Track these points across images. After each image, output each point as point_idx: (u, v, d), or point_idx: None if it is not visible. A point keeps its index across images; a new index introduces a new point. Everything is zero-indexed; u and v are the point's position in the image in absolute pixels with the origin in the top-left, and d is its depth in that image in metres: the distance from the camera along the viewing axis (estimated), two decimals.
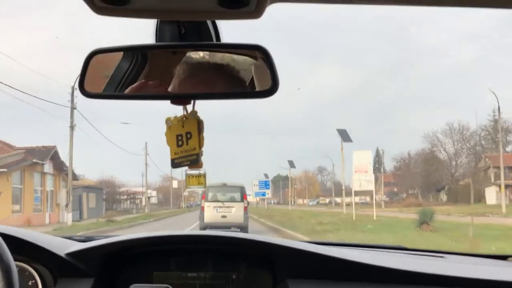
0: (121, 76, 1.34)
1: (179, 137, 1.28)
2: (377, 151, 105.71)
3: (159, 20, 1.22)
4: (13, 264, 1.02)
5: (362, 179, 22.67)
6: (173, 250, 1.50)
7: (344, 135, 39.38)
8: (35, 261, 1.44)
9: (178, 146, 1.28)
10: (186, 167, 1.29)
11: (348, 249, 1.68)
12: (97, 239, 1.51)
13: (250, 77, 1.25)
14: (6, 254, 1.05)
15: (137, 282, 1.47)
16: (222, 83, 1.24)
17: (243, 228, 15.92)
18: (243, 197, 17.93)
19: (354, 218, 21.43)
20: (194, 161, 1.27)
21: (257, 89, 1.23)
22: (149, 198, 55.66)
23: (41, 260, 1.44)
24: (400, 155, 67.95)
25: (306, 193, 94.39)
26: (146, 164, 45.13)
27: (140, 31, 1.31)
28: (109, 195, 43.83)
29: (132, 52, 1.32)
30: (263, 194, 54.51)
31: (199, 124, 1.27)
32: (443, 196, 53.07)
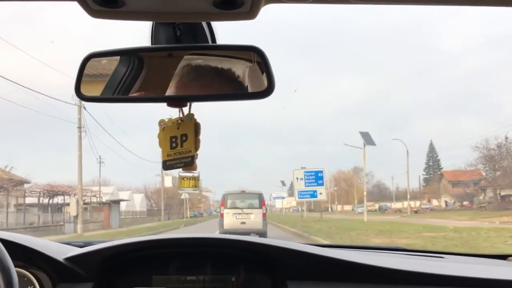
0: (118, 80, 1.37)
1: (173, 139, 1.32)
2: (431, 145, 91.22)
3: (154, 22, 1.30)
4: (12, 266, 1.08)
5: None
6: (172, 253, 1.58)
7: (367, 138, 32.18)
8: (33, 267, 1.53)
9: (172, 148, 1.32)
10: (180, 169, 1.34)
11: (348, 251, 1.75)
12: (95, 244, 1.63)
13: (246, 80, 1.31)
14: (6, 257, 1.09)
15: (136, 286, 1.54)
16: (218, 85, 1.30)
17: (262, 234, 17.45)
18: (262, 203, 19.23)
19: None
20: (189, 163, 1.31)
21: (253, 90, 1.29)
22: (115, 202, 27.91)
23: (39, 266, 1.52)
24: (484, 143, 52.99)
25: (347, 197, 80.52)
26: (80, 127, 16.70)
27: (136, 34, 1.38)
28: None
29: (128, 55, 1.38)
30: (313, 195, 31.36)
31: (196, 126, 1.33)
32: None
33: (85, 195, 31.36)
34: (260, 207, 18.75)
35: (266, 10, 1.01)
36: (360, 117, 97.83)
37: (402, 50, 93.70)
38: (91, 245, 1.61)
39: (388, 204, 71.51)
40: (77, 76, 1.25)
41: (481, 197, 54.01)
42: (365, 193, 33.13)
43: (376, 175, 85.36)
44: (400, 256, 1.81)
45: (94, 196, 36.03)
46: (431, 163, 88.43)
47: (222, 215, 18.84)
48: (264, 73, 1.22)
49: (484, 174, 52.00)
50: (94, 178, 58.74)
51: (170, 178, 41.88)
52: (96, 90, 1.32)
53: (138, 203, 53.71)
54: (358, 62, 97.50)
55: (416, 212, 55.65)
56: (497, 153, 49.05)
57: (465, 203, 55.71)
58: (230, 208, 18.75)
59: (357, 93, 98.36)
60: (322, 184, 30.49)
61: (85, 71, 1.26)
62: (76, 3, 0.93)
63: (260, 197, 19.36)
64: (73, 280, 1.49)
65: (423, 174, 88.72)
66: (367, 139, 33.38)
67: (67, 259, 1.49)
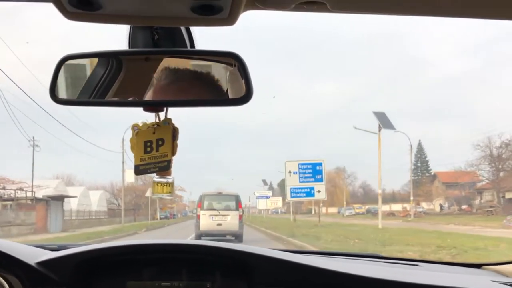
0: (95, 83, 1.37)
1: (148, 143, 1.31)
2: (419, 145, 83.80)
3: (132, 26, 1.30)
4: None
5: None
6: (147, 259, 1.58)
7: (384, 120, 25.38)
8: (4, 270, 1.51)
9: (146, 152, 1.31)
10: (154, 174, 1.35)
11: (323, 258, 1.77)
12: (70, 248, 1.65)
13: (225, 85, 1.33)
14: None
15: None
16: (196, 90, 1.30)
17: (238, 236, 17.97)
18: (238, 205, 19.18)
19: None
20: (164, 168, 1.30)
21: (231, 96, 1.29)
22: (56, 198, 19.02)
23: (10, 269, 1.50)
24: (486, 139, 34.90)
25: (331, 199, 67.27)
26: None
27: (113, 37, 1.45)
28: None
29: (105, 58, 1.37)
30: (309, 194, 25.23)
31: (174, 131, 1.32)
32: None
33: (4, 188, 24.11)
34: (237, 209, 19.20)
35: (245, 16, 1.02)
36: (341, 120, 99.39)
37: (381, 56, 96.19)
38: (66, 248, 1.64)
39: (377, 206, 66.13)
40: (52, 78, 1.23)
41: (477, 201, 49.25)
42: (379, 191, 26.84)
43: (360, 176, 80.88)
44: (376, 263, 1.84)
45: (21, 189, 27.74)
46: (419, 164, 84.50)
47: (198, 216, 19.31)
48: (243, 80, 1.23)
49: (486, 175, 47.05)
50: (58, 173, 51.61)
51: (132, 172, 34.83)
52: (72, 93, 1.31)
53: (96, 201, 47.00)
54: (338, 67, 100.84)
55: (392, 214, 50.76)
56: (504, 152, 43.73)
57: (463, 206, 50.75)
58: (207, 209, 19.08)
59: (338, 97, 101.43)
60: (321, 180, 24.39)
61: (61, 74, 1.24)
62: (51, 4, 0.92)
63: (236, 199, 19.82)
64: (45, 285, 1.49)
65: (411, 176, 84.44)
66: (384, 121, 25.84)
67: (40, 263, 1.49)
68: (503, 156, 45.96)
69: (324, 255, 1.90)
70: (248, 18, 1.03)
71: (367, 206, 64.62)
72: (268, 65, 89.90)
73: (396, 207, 67.46)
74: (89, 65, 1.32)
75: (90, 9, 0.91)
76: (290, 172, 24.98)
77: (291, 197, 25.18)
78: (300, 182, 24.84)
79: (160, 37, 1.24)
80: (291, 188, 24.88)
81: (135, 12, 0.95)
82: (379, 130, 25.77)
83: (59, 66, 1.22)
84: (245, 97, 1.18)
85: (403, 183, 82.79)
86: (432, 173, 74.41)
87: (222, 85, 1.29)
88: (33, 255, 1.51)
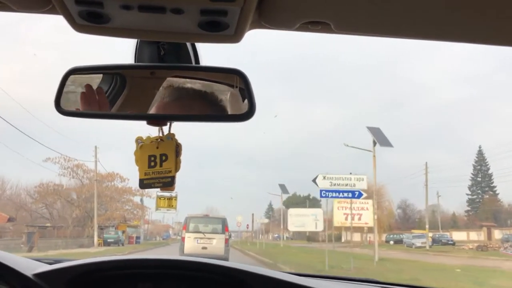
0: None
1: (152, 158, 1.35)
2: (479, 153, 67.59)
3: (138, 40, 1.36)
4: None
5: None
6: (142, 274, 1.60)
7: (379, 136, 20.99)
8: (1, 281, 1.57)
9: (150, 167, 1.35)
10: (158, 189, 1.37)
11: (320, 280, 1.82)
12: (66, 261, 1.69)
13: (226, 105, 1.39)
14: None
15: None
16: (199, 106, 1.36)
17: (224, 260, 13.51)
18: (225, 229, 19.62)
19: None
20: (168, 184, 1.34)
21: (234, 113, 1.35)
22: None
23: (7, 280, 1.55)
24: None
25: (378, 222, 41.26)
26: None
27: (120, 51, 1.39)
28: None
29: (110, 72, 1.42)
30: None
31: (177, 147, 1.36)
32: None
33: None
34: (223, 232, 19.12)
35: (250, 35, 1.04)
36: (340, 140, 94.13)
37: (379, 80, 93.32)
38: (62, 262, 1.68)
39: (447, 234, 48.04)
40: (58, 90, 1.25)
41: None
42: None
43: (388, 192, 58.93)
44: None
45: None
46: (479, 179, 61.39)
47: (183, 239, 19.15)
48: (246, 96, 1.26)
49: None
50: None
51: None
52: (76, 105, 1.33)
53: None
54: (337, 89, 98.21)
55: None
56: None
57: None
58: (192, 232, 18.98)
59: (336, 118, 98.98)
60: None
61: (66, 86, 1.27)
62: (61, 17, 0.95)
63: (223, 222, 19.82)
64: None
65: (468, 194, 61.63)
66: (379, 137, 20.77)
67: (36, 275, 1.52)
68: None
69: (320, 278, 1.91)
70: (253, 36, 1.04)
71: (430, 234, 46.18)
72: (270, 84, 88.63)
73: (459, 235, 50.28)
74: (94, 78, 1.34)
75: (99, 22, 0.92)
76: None
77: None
78: None
79: (166, 53, 1.25)
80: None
81: (143, 26, 0.97)
82: (374, 145, 20.11)
83: (65, 78, 1.22)
84: (247, 114, 1.19)
85: (461, 202, 61.95)
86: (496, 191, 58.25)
87: (225, 102, 1.31)
88: (30, 267, 1.53)
